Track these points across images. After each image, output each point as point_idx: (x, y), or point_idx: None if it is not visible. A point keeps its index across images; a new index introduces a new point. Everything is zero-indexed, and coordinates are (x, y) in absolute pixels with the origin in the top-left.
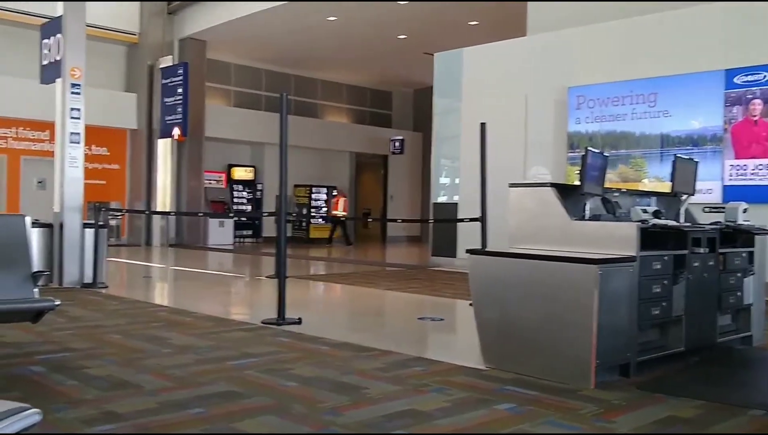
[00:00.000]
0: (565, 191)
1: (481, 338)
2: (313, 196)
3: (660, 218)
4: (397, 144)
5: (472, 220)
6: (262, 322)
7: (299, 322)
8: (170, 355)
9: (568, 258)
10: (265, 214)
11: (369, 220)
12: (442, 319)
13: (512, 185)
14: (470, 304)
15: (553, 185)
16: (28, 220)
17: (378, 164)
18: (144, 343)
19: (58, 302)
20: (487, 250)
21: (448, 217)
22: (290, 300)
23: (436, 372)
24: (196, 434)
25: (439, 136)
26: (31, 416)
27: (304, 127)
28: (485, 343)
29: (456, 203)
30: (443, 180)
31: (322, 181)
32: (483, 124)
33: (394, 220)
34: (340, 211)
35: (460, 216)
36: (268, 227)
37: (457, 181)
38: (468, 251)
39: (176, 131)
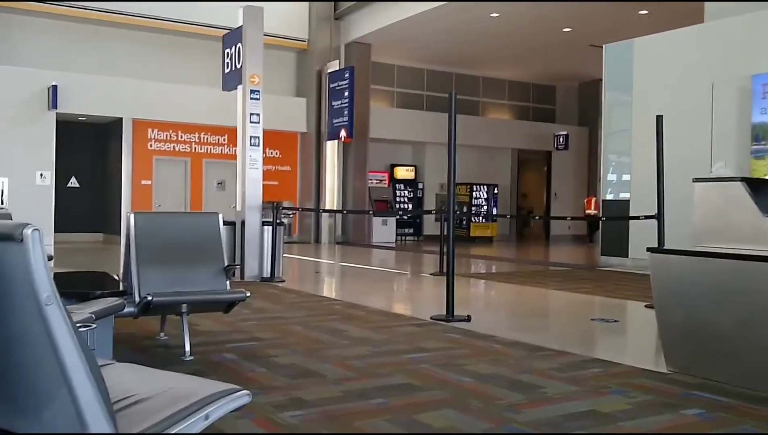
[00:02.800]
0: (755, 186)
1: (664, 341)
2: (474, 194)
3: None
4: (561, 140)
5: (647, 217)
6: (432, 318)
7: (468, 319)
8: (348, 346)
9: (766, 257)
10: (432, 212)
11: (536, 217)
12: (616, 321)
13: (696, 180)
14: (646, 306)
15: (743, 179)
16: (220, 217)
17: (541, 161)
18: (323, 335)
19: (248, 294)
20: (671, 248)
21: (618, 214)
22: (457, 297)
23: (615, 374)
24: None
25: (607, 131)
26: (242, 397)
27: (466, 124)
28: (668, 346)
29: (627, 200)
30: (610, 176)
31: (482, 179)
32: (659, 117)
33: (562, 218)
34: (592, 210)
35: (632, 213)
36: (429, 226)
37: (625, 177)
38: (650, 250)
39: (343, 133)
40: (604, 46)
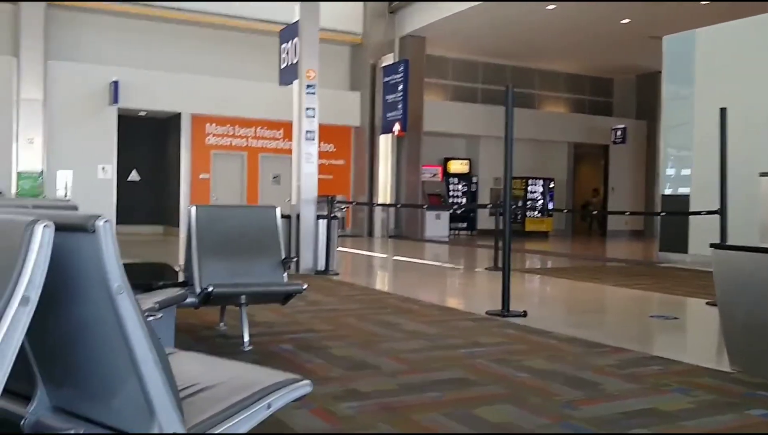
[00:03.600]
0: None
1: (727, 339)
2: (529, 188)
3: None
4: (618, 133)
5: (709, 212)
6: (487, 313)
7: (524, 314)
8: (403, 339)
9: None
10: (488, 206)
11: (594, 212)
12: (676, 318)
13: (763, 175)
14: (708, 303)
15: None
16: (278, 211)
17: (598, 155)
18: (378, 328)
19: (305, 286)
20: (736, 244)
21: (677, 209)
22: (512, 293)
23: (676, 372)
24: None
25: (667, 124)
26: (303, 387)
27: (521, 118)
28: (732, 345)
29: (686, 195)
30: (669, 171)
31: (538, 173)
32: (723, 110)
33: (621, 213)
34: None
35: (692, 208)
36: (483, 220)
37: (684, 171)
38: (713, 246)
39: (396, 127)
40: (664, 37)
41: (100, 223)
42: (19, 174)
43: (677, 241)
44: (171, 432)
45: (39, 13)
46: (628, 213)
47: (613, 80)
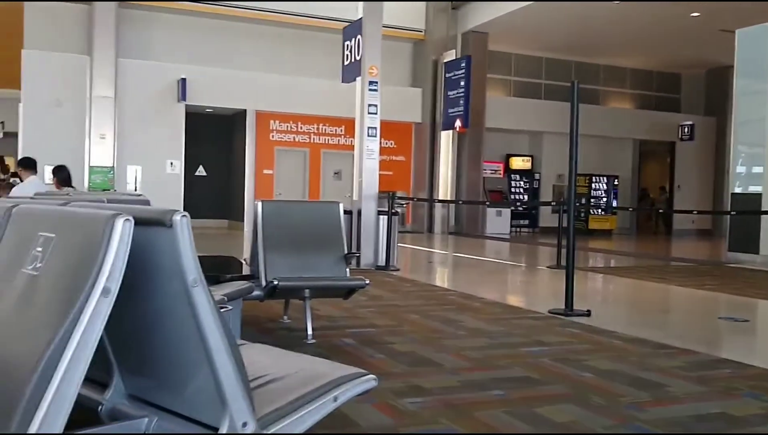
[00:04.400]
0: None
1: None
2: (593, 185)
3: None
4: (686, 129)
5: None
6: (550, 312)
7: (588, 314)
8: (465, 337)
9: None
10: (552, 204)
11: (660, 210)
12: (746, 320)
13: None
14: None
15: None
16: (341, 207)
17: (664, 152)
18: (440, 324)
19: (368, 282)
20: None
21: (748, 208)
22: (575, 291)
23: (747, 376)
24: None
25: (738, 120)
26: (369, 381)
27: (585, 114)
28: None
29: (758, 194)
30: (739, 168)
31: (602, 170)
32: None
33: (688, 212)
34: None
35: (765, 207)
36: (545, 217)
37: (756, 169)
38: None
39: (458, 123)
40: (737, 31)
41: (177, 217)
42: (91, 168)
43: (748, 241)
44: (242, 422)
45: (111, 13)
46: (695, 212)
47: (681, 75)
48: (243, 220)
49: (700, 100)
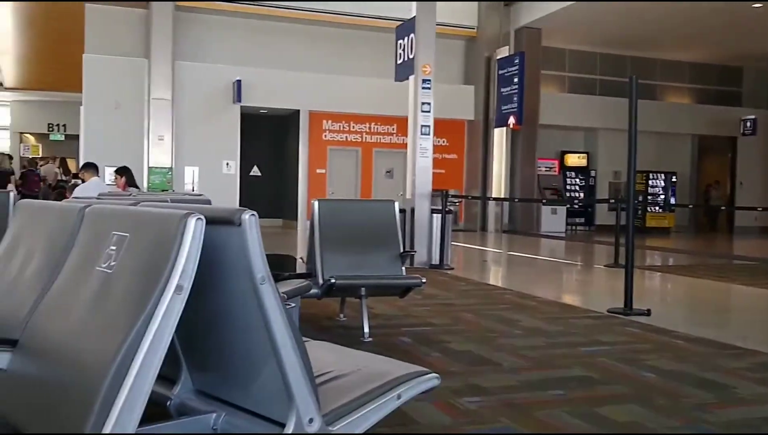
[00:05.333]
0: None
1: None
2: (650, 182)
3: None
4: (748, 124)
5: None
6: (608, 311)
7: (648, 313)
8: (522, 336)
9: None
10: (610, 201)
11: (722, 208)
12: None
13: None
14: None
15: None
16: (396, 205)
17: (724, 147)
18: (496, 324)
19: (424, 280)
20: None
21: None
22: (634, 290)
23: None
24: None
25: None
26: (431, 380)
27: (642, 109)
28: None
29: None
30: None
31: (659, 167)
32: None
33: (752, 209)
34: None
35: None
36: (601, 215)
37: None
38: None
39: (512, 120)
40: None
41: (246, 216)
42: (150, 169)
43: None
44: (308, 418)
45: (168, 16)
46: (759, 208)
47: (743, 69)
48: (296, 219)
49: (762, 93)
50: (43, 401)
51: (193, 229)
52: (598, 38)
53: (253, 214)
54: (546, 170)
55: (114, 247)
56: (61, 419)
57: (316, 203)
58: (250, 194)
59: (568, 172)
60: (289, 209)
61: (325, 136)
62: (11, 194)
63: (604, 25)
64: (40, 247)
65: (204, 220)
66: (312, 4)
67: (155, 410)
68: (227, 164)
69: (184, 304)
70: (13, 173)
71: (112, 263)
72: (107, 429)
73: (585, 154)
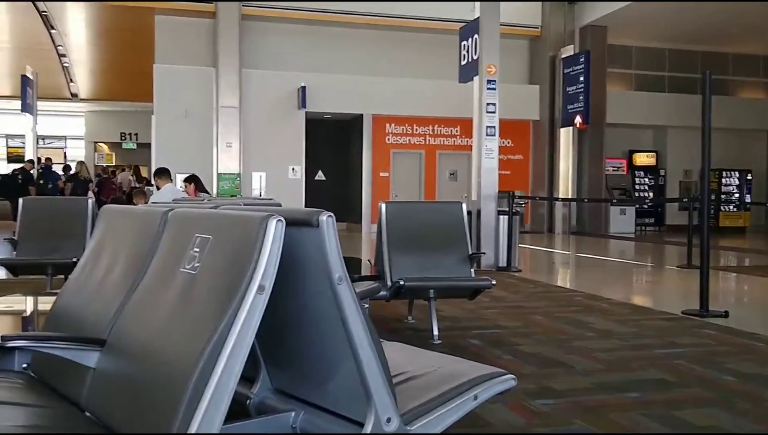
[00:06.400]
0: None
1: None
2: (724, 181)
3: None
4: None
5: None
6: (683, 313)
7: (725, 315)
8: (594, 338)
9: None
10: (683, 200)
11: None
12: None
13: None
14: None
15: None
16: (464, 207)
17: None
18: (566, 326)
19: (494, 282)
20: None
21: None
22: (709, 291)
23: None
24: None
25: None
26: (508, 381)
27: (714, 106)
28: None
29: None
30: None
31: (733, 165)
32: None
33: None
34: None
35: None
36: (672, 215)
37: None
38: None
39: (578, 119)
40: None
41: (323, 217)
42: (219, 175)
43: None
44: (386, 417)
45: (234, 26)
46: None
47: None
48: (361, 222)
49: None
50: (131, 399)
51: (274, 231)
52: (667, 34)
53: (330, 216)
54: (614, 170)
55: (197, 249)
56: (149, 417)
57: (384, 206)
58: (315, 198)
59: (636, 172)
60: (353, 213)
61: (389, 139)
62: (89, 201)
63: (672, 20)
64: (125, 250)
65: (284, 222)
66: (375, 6)
67: (235, 409)
68: (293, 169)
69: (265, 304)
70: (91, 181)
71: (196, 265)
72: (194, 427)
73: (654, 153)
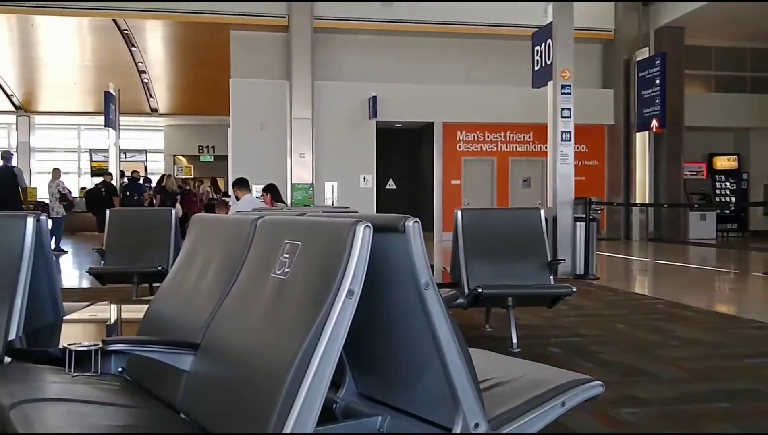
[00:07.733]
0: None
1: None
2: None
3: None
4: None
5: None
6: None
7: None
8: (679, 347)
9: None
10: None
11: None
12: None
13: None
14: None
15: None
16: (542, 213)
17: None
18: (649, 334)
19: (574, 289)
20: None
21: None
22: None
23: None
24: None
25: None
26: (596, 387)
27: None
28: None
29: None
30: None
31: None
32: None
33: None
34: None
35: None
36: (756, 220)
37: None
38: None
39: (654, 123)
40: None
41: (410, 223)
42: (293, 185)
43: None
44: (474, 422)
45: (306, 39)
46: None
47: None
48: (432, 230)
49: None
50: (226, 402)
51: (362, 236)
52: (749, 33)
53: (416, 221)
54: (692, 174)
55: (287, 255)
56: (244, 418)
57: (459, 213)
58: (387, 207)
59: (716, 176)
60: (424, 221)
61: (459, 147)
62: (173, 212)
63: (754, 18)
64: (217, 257)
65: (371, 228)
66: (443, 14)
67: (322, 413)
68: (364, 178)
69: (355, 308)
70: (179, 193)
71: (287, 270)
72: (287, 429)
73: (735, 156)
